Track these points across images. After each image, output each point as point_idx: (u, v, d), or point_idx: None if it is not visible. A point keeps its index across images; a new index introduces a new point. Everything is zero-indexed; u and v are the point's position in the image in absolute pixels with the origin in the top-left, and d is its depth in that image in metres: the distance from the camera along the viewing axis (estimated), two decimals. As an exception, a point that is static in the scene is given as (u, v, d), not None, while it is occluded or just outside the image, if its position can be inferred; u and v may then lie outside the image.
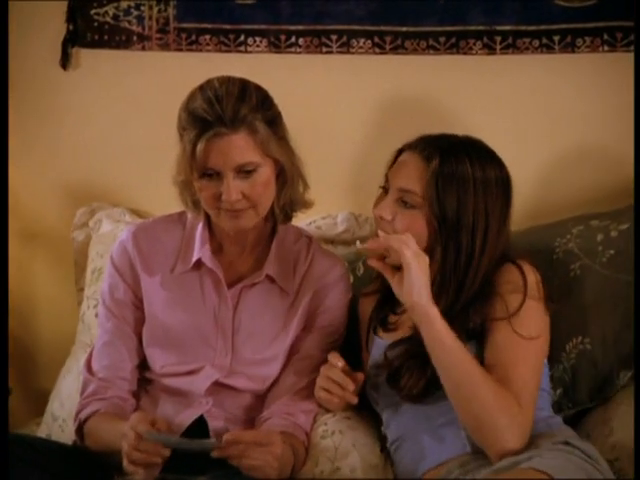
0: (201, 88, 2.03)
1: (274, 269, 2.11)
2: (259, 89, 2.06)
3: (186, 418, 2.04)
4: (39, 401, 2.49)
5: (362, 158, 2.53)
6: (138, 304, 2.13)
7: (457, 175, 1.95)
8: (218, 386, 2.08)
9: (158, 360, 2.11)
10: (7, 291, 2.28)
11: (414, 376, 1.93)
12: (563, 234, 2.26)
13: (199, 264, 2.11)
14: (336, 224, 2.47)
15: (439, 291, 1.95)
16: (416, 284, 1.86)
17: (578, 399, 2.19)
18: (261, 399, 2.10)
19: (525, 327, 1.91)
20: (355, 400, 2.00)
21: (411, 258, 1.87)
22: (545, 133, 2.43)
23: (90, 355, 2.15)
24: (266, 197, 2.03)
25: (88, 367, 2.13)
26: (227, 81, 2.02)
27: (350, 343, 2.18)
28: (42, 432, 2.32)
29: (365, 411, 2.11)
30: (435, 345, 1.87)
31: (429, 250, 1.97)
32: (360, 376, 2.00)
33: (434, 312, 1.87)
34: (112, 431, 1.96)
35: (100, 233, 2.52)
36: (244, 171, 1.98)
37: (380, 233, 1.95)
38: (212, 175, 1.98)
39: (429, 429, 1.96)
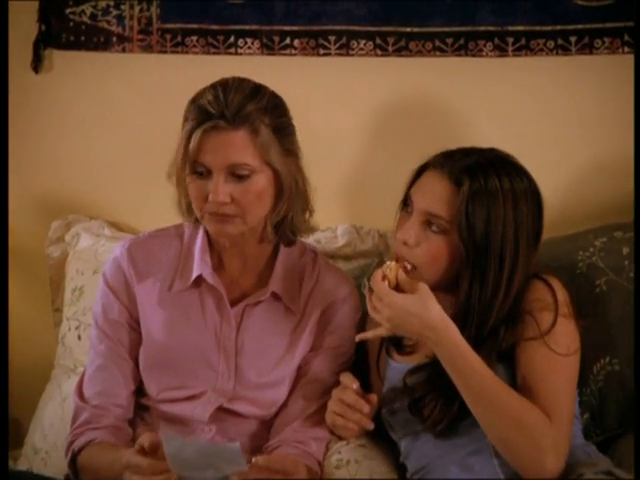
0: (214, 83, 1.94)
1: (279, 286, 1.98)
2: (275, 96, 1.97)
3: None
4: (15, 432, 2.32)
5: (363, 167, 2.39)
6: (134, 325, 1.99)
7: (486, 194, 1.84)
8: (221, 412, 1.94)
9: (156, 385, 1.96)
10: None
11: (438, 409, 1.82)
12: (585, 247, 2.14)
13: (199, 281, 1.98)
14: (336, 237, 2.31)
15: (463, 323, 1.83)
16: (411, 324, 1.77)
17: (607, 425, 2.06)
18: (267, 426, 1.95)
19: (560, 344, 1.81)
20: (371, 425, 1.86)
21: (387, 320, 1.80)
22: (562, 140, 2.31)
23: (81, 381, 2.00)
24: (258, 207, 1.92)
25: (80, 394, 1.98)
26: (242, 80, 1.95)
27: (356, 364, 2.03)
28: (21, 466, 2.16)
29: (378, 438, 1.96)
30: (456, 362, 1.77)
31: (452, 278, 1.86)
32: (374, 398, 1.86)
33: (450, 324, 1.77)
34: (111, 461, 1.80)
35: (78, 248, 2.37)
36: (237, 175, 1.87)
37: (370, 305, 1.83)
38: (203, 173, 1.88)
39: (456, 459, 1.83)
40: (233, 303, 1.97)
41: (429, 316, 1.75)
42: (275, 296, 1.97)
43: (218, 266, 1.99)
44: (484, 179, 1.83)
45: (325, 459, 1.90)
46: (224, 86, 1.89)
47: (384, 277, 1.80)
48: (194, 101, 1.91)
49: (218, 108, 1.85)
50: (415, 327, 1.76)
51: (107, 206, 2.46)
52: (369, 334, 1.84)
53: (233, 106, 1.85)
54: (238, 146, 1.86)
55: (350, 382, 1.84)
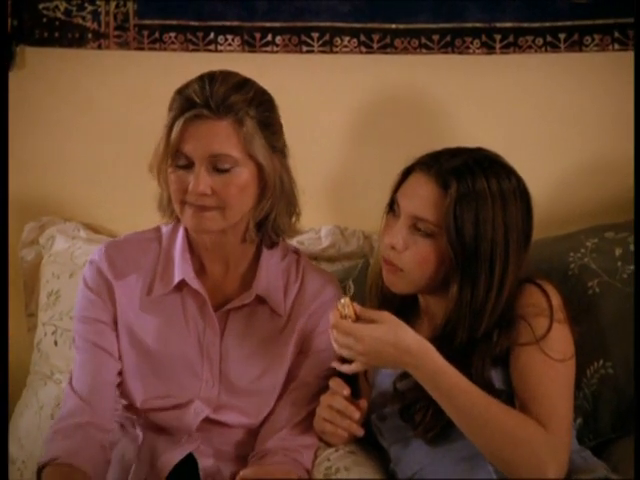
0: (201, 75, 1.88)
1: (264, 289, 1.91)
2: (264, 92, 1.91)
3: (174, 456, 1.85)
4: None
5: (347, 167, 2.33)
6: (114, 327, 1.91)
7: (474, 195, 1.78)
8: (207, 423, 1.88)
9: (139, 393, 1.89)
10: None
11: (430, 415, 1.76)
12: (577, 248, 2.10)
13: (180, 285, 1.91)
14: (320, 239, 2.26)
15: (456, 325, 1.78)
16: (388, 354, 1.70)
17: (600, 429, 2.01)
18: (254, 433, 1.88)
19: (555, 350, 1.76)
20: (361, 432, 1.80)
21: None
22: (551, 139, 2.27)
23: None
24: (239, 202, 1.85)
25: (70, 382, 1.90)
26: (230, 73, 1.89)
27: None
28: (-6, 477, 2.07)
29: (367, 445, 1.89)
30: (441, 384, 1.70)
31: (442, 281, 1.80)
32: (364, 404, 1.81)
33: (430, 357, 1.70)
34: None
35: (54, 251, 2.29)
36: (219, 168, 1.82)
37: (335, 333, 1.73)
38: (185, 166, 1.82)
39: (450, 464, 1.77)
40: (216, 307, 1.91)
41: (405, 342, 1.68)
42: (260, 299, 1.91)
43: (199, 270, 1.92)
44: (472, 181, 1.78)
45: (314, 467, 1.83)
46: (211, 77, 1.84)
47: (343, 316, 1.72)
48: (180, 92, 1.86)
49: (203, 97, 1.80)
50: (392, 356, 1.69)
51: (82, 208, 2.39)
52: (344, 368, 1.75)
53: (218, 96, 1.80)
54: (221, 136, 1.81)
55: (340, 388, 1.78)
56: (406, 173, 1.87)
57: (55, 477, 1.78)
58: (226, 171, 1.81)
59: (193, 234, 1.91)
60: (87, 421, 1.83)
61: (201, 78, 1.85)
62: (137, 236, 1.99)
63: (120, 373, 1.89)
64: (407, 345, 1.68)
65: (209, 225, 1.84)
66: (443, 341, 1.75)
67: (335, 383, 1.79)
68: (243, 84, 1.85)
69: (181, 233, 1.93)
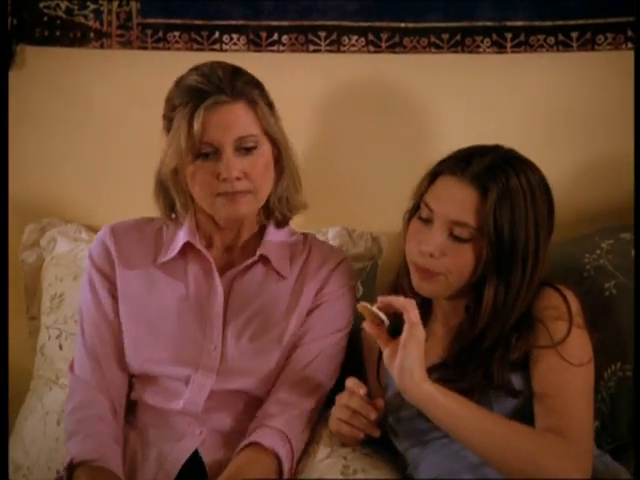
0: (191, 69, 1.91)
1: (268, 250, 1.93)
2: (253, 75, 1.95)
3: (181, 455, 1.83)
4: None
5: (355, 167, 2.30)
6: (116, 302, 1.94)
7: (510, 195, 1.76)
8: (212, 401, 1.86)
9: (139, 355, 1.89)
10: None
11: None
12: (592, 249, 2.06)
13: (185, 251, 1.93)
14: (327, 241, 2.19)
15: (484, 330, 1.76)
16: (409, 358, 1.67)
17: (618, 433, 1.97)
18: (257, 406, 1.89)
19: (573, 355, 1.73)
20: (378, 433, 1.77)
21: (416, 324, 1.68)
22: (562, 139, 2.24)
23: (73, 359, 1.94)
24: (266, 181, 1.90)
25: (72, 369, 1.92)
26: (219, 62, 1.92)
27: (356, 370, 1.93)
28: (1, 483, 2.03)
29: (379, 447, 1.85)
30: (445, 420, 1.69)
31: (472, 280, 1.78)
32: (381, 404, 1.78)
33: (429, 388, 1.68)
34: None
35: (56, 254, 2.25)
36: (244, 148, 1.85)
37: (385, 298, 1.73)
38: (208, 154, 1.84)
39: (469, 468, 1.73)
40: (220, 274, 1.91)
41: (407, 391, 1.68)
42: (264, 262, 1.92)
43: (207, 245, 1.94)
44: (505, 179, 1.76)
45: (330, 465, 1.78)
46: (207, 67, 1.87)
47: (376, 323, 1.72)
48: (179, 85, 1.88)
49: (212, 85, 1.83)
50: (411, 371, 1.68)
51: (83, 209, 2.34)
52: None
53: (226, 81, 1.84)
54: (242, 118, 1.85)
55: (357, 387, 1.75)
56: (432, 177, 1.82)
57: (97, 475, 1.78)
58: (251, 152, 1.85)
59: (223, 222, 1.90)
60: (96, 413, 1.83)
61: (195, 69, 1.87)
62: (144, 218, 2.02)
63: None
64: (410, 395, 1.68)
65: (244, 210, 1.86)
66: (467, 344, 1.73)
67: (352, 383, 1.76)
68: (238, 69, 1.89)
69: (189, 217, 1.93)
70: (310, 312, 1.91)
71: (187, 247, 1.92)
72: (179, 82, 1.88)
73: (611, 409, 1.96)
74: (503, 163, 1.77)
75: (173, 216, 1.95)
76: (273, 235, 1.95)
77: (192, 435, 1.85)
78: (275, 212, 1.94)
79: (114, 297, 1.92)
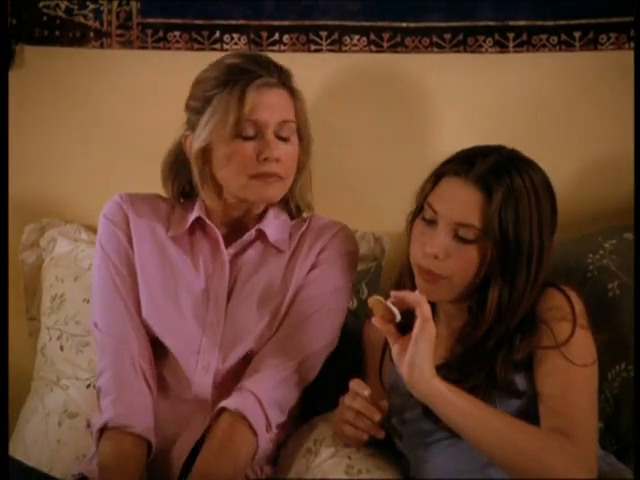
0: (227, 55, 1.96)
1: (267, 225, 1.94)
2: None
3: (186, 445, 1.82)
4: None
5: (357, 167, 2.28)
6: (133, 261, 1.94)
7: (514, 196, 1.74)
8: (218, 386, 1.86)
9: (152, 315, 1.90)
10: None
11: None
12: (595, 249, 2.05)
13: (194, 228, 1.95)
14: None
15: (488, 332, 1.75)
16: (420, 353, 1.65)
17: (622, 434, 1.95)
18: None
19: (577, 355, 1.72)
20: (382, 434, 1.75)
21: (429, 319, 1.66)
22: (565, 138, 2.23)
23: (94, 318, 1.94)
24: (293, 171, 1.92)
25: (96, 325, 1.92)
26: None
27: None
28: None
29: (381, 449, 1.84)
30: (452, 417, 1.67)
31: (476, 283, 1.76)
32: (385, 405, 1.76)
33: (438, 385, 1.66)
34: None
35: (56, 254, 2.23)
36: (281, 135, 1.88)
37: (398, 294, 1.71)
38: (248, 136, 1.85)
39: (474, 470, 1.71)
40: (227, 245, 1.94)
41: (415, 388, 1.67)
42: (263, 236, 1.93)
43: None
44: (510, 180, 1.74)
45: (334, 465, 1.77)
46: (244, 53, 1.94)
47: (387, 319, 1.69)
48: (218, 66, 1.88)
49: (261, 66, 1.86)
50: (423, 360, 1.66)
51: (82, 209, 2.32)
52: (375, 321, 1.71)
53: (273, 65, 1.88)
54: (286, 104, 1.89)
55: (361, 389, 1.73)
56: (436, 178, 1.81)
57: (125, 444, 1.78)
58: (285, 141, 1.88)
59: (246, 204, 1.91)
60: (126, 372, 1.83)
61: (234, 55, 1.91)
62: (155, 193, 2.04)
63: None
64: (418, 391, 1.66)
65: (275, 194, 1.89)
66: (471, 345, 1.72)
67: (355, 384, 1.74)
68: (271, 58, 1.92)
69: (199, 201, 1.95)
70: (307, 272, 1.92)
71: (196, 224, 1.93)
72: (218, 64, 1.89)
73: (615, 410, 1.95)
74: (507, 163, 1.76)
75: (182, 201, 1.96)
76: (274, 213, 1.96)
77: (196, 423, 1.84)
78: (289, 205, 1.96)
79: (130, 255, 1.92)
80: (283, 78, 1.88)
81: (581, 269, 2.02)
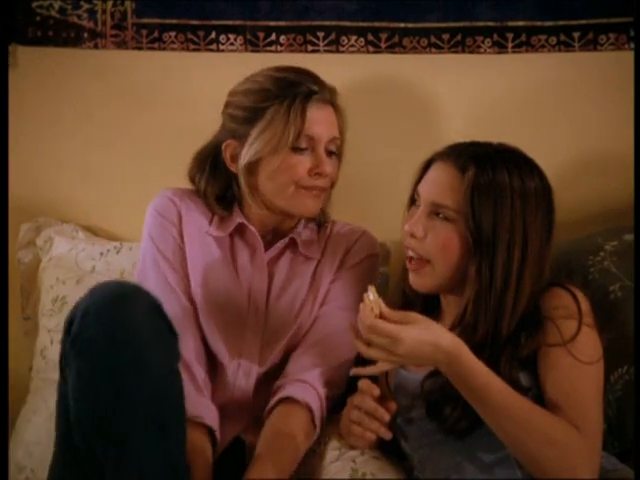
0: (278, 67, 1.95)
1: (299, 234, 2.00)
2: None
3: (225, 437, 1.84)
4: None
5: (357, 170, 2.15)
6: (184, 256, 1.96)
7: (494, 186, 1.75)
8: (257, 389, 1.89)
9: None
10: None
11: (460, 409, 1.69)
12: (595, 251, 2.04)
13: (234, 233, 1.98)
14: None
15: (476, 315, 1.74)
16: (425, 352, 1.63)
17: (624, 436, 1.93)
18: None
19: (583, 353, 1.71)
20: (389, 435, 1.73)
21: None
22: (563, 139, 2.21)
23: None
24: (333, 184, 1.99)
25: None
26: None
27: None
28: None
29: (387, 451, 1.83)
30: (471, 382, 1.65)
31: (461, 269, 1.76)
32: (393, 406, 1.75)
33: (462, 351, 1.64)
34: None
35: (55, 254, 2.20)
36: (330, 150, 1.93)
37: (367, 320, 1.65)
38: (302, 149, 1.90)
39: (478, 470, 1.70)
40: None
41: (442, 340, 1.62)
42: (294, 244, 1.97)
43: None
44: (492, 171, 1.75)
45: (339, 468, 1.75)
46: (295, 68, 1.92)
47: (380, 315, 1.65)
48: (272, 78, 1.89)
49: (316, 84, 1.90)
50: (428, 354, 1.63)
51: (78, 209, 2.31)
52: (370, 370, 1.70)
53: (323, 83, 1.92)
54: (336, 121, 1.94)
55: (369, 389, 1.72)
56: (426, 166, 1.84)
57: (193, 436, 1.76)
58: (331, 156, 1.93)
59: (291, 215, 1.95)
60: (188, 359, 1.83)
61: (285, 68, 1.92)
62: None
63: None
64: (444, 344, 1.62)
65: (316, 208, 1.94)
66: (463, 335, 1.69)
67: (364, 384, 1.73)
68: None
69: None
70: (334, 275, 1.96)
71: (235, 228, 1.96)
72: (264, 76, 1.91)
73: (617, 413, 1.93)
74: (496, 156, 1.77)
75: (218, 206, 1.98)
76: (304, 225, 2.01)
77: (237, 421, 1.86)
78: (321, 215, 2.01)
79: (184, 252, 1.93)
80: (332, 95, 1.93)
81: (582, 271, 2.01)
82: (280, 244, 1.96)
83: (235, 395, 1.88)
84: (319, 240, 2.01)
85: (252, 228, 1.94)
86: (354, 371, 1.73)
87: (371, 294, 1.64)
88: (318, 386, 1.83)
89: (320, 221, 2.02)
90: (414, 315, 1.63)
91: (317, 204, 1.93)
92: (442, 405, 1.71)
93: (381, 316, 1.62)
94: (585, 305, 1.75)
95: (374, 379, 1.78)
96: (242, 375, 1.89)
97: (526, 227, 1.74)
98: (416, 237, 1.77)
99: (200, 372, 1.85)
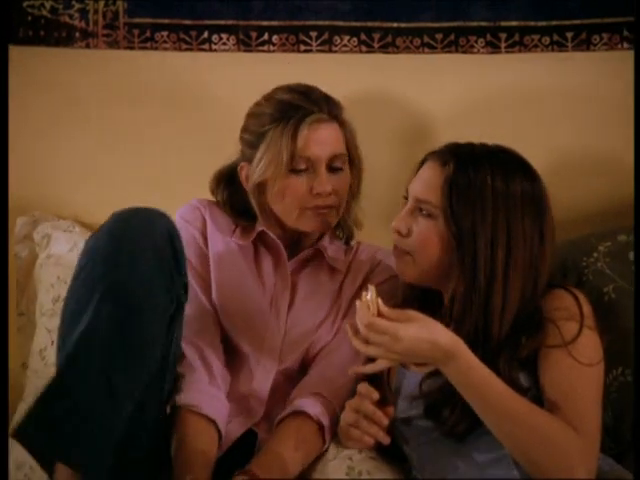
0: (279, 88, 1.98)
1: (325, 247, 2.01)
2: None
3: (238, 428, 1.89)
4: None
5: None
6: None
7: (474, 184, 1.74)
8: (274, 388, 1.92)
9: (222, 313, 1.97)
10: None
11: (458, 411, 1.69)
12: (589, 252, 2.02)
13: (257, 240, 2.01)
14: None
15: (462, 312, 1.74)
16: (423, 350, 1.63)
17: (620, 438, 1.93)
18: None
19: (583, 355, 1.71)
20: (388, 440, 1.73)
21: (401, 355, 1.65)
22: (557, 139, 2.21)
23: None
24: (344, 198, 1.99)
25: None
26: (308, 84, 1.99)
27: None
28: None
29: (384, 452, 1.82)
30: (469, 381, 1.65)
31: (445, 264, 1.77)
32: (391, 410, 1.75)
33: (460, 350, 1.64)
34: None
35: (55, 252, 2.19)
36: (334, 167, 1.94)
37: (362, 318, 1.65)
38: (301, 170, 1.92)
39: (475, 470, 1.69)
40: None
41: (440, 338, 1.62)
42: (320, 256, 1.99)
43: None
44: (473, 169, 1.75)
45: (336, 466, 1.76)
46: (297, 87, 1.95)
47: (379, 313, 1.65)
48: (272, 101, 1.93)
49: (312, 103, 1.91)
50: (425, 353, 1.63)
51: (71, 208, 2.30)
52: (369, 368, 1.68)
53: (323, 100, 1.93)
54: (337, 137, 1.94)
55: (368, 392, 1.72)
56: (419, 166, 1.85)
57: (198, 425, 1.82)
58: (338, 172, 1.94)
59: (303, 232, 1.96)
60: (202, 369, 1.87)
61: (287, 88, 1.94)
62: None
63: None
64: (441, 341, 1.61)
65: (328, 224, 1.96)
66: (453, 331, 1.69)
67: (363, 387, 1.73)
68: (321, 90, 1.96)
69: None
70: (354, 298, 1.94)
71: (259, 237, 1.99)
72: (270, 99, 1.94)
73: (613, 415, 1.92)
74: (481, 156, 1.77)
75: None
76: (329, 241, 2.02)
77: (249, 413, 1.90)
78: (340, 227, 2.02)
79: (207, 257, 1.97)
80: (334, 111, 1.94)
81: (576, 272, 2.00)
82: (305, 254, 2.00)
83: (252, 389, 1.91)
84: (345, 256, 2.03)
85: (273, 236, 1.97)
86: (354, 370, 1.72)
87: (370, 293, 1.64)
88: (333, 400, 1.85)
89: (345, 236, 2.04)
90: (412, 313, 1.63)
91: (327, 221, 1.94)
92: (441, 406, 1.70)
93: (379, 314, 1.61)
94: (587, 307, 1.75)
95: (375, 382, 1.78)
96: (261, 371, 1.92)
97: (511, 228, 1.74)
98: (400, 233, 1.79)
99: (217, 364, 1.89)
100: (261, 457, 1.78)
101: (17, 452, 1.97)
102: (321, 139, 1.91)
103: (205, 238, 1.99)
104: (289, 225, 1.95)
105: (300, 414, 1.83)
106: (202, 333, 1.91)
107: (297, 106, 1.91)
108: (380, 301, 1.63)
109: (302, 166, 1.91)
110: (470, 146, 1.82)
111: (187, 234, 1.95)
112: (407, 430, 1.79)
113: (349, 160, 1.96)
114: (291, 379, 1.93)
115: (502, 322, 1.73)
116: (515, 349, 1.71)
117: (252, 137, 1.93)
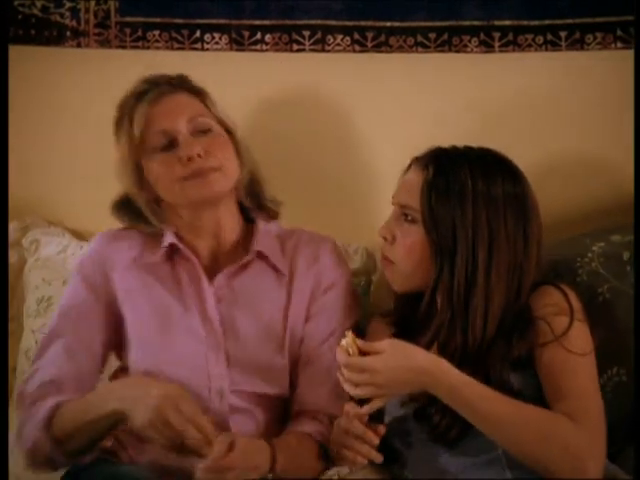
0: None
1: (263, 246, 1.92)
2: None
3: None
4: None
5: (346, 177, 2.23)
6: (110, 314, 1.89)
7: (453, 187, 1.77)
8: (233, 410, 1.84)
9: (150, 355, 1.85)
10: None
11: (448, 416, 1.69)
12: (583, 253, 2.02)
13: (172, 256, 1.91)
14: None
15: (444, 315, 1.76)
16: (405, 378, 1.66)
17: (614, 438, 1.87)
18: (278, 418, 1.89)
19: (575, 345, 1.73)
20: (380, 459, 1.71)
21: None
22: (551, 139, 2.20)
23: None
24: (229, 159, 1.89)
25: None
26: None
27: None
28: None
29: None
30: (461, 397, 1.66)
31: (432, 271, 1.78)
32: (382, 429, 1.72)
33: (444, 369, 1.66)
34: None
35: (43, 255, 2.19)
36: (199, 130, 1.89)
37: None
38: (165, 147, 1.86)
39: (468, 471, 1.70)
40: (213, 274, 1.89)
41: (417, 362, 1.65)
42: (261, 257, 1.90)
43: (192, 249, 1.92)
44: (452, 172, 1.77)
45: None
46: (148, 76, 1.93)
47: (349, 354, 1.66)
48: (127, 94, 1.92)
49: (152, 83, 1.89)
50: (409, 380, 1.65)
51: (62, 211, 2.29)
52: (366, 409, 1.68)
53: (164, 79, 1.91)
54: (188, 104, 1.90)
55: (356, 413, 1.70)
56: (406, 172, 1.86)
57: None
58: (207, 133, 1.87)
59: (197, 207, 1.87)
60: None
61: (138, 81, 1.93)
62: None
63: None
64: (420, 365, 1.64)
65: (216, 187, 1.85)
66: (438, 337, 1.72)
67: (350, 407, 1.71)
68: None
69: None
70: (310, 316, 1.90)
71: (173, 252, 1.90)
72: (126, 94, 1.92)
73: (608, 414, 1.85)
74: (463, 160, 1.78)
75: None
76: (263, 229, 1.94)
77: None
78: (248, 203, 1.94)
79: (105, 308, 1.88)
80: (177, 82, 1.90)
81: (570, 273, 1.99)
82: (246, 259, 1.89)
83: (214, 419, 1.77)
84: (285, 249, 1.94)
85: (183, 247, 1.88)
86: (355, 413, 1.69)
87: (346, 338, 1.66)
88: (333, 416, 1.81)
89: (260, 210, 1.95)
90: (388, 342, 1.65)
91: (214, 184, 1.84)
92: (430, 411, 1.71)
93: (360, 353, 1.64)
94: (576, 302, 1.76)
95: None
96: (215, 396, 1.83)
97: (493, 230, 1.75)
98: (387, 240, 1.81)
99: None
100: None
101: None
102: (167, 110, 1.87)
103: (109, 285, 1.88)
104: (177, 203, 1.87)
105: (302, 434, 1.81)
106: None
107: (139, 92, 1.89)
108: (359, 341, 1.65)
109: (163, 141, 1.85)
110: (452, 149, 1.83)
111: (81, 291, 1.88)
112: (399, 430, 1.78)
113: (223, 126, 1.90)
114: (267, 404, 1.86)
115: (486, 323, 1.74)
116: (506, 350, 1.72)
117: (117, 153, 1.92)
